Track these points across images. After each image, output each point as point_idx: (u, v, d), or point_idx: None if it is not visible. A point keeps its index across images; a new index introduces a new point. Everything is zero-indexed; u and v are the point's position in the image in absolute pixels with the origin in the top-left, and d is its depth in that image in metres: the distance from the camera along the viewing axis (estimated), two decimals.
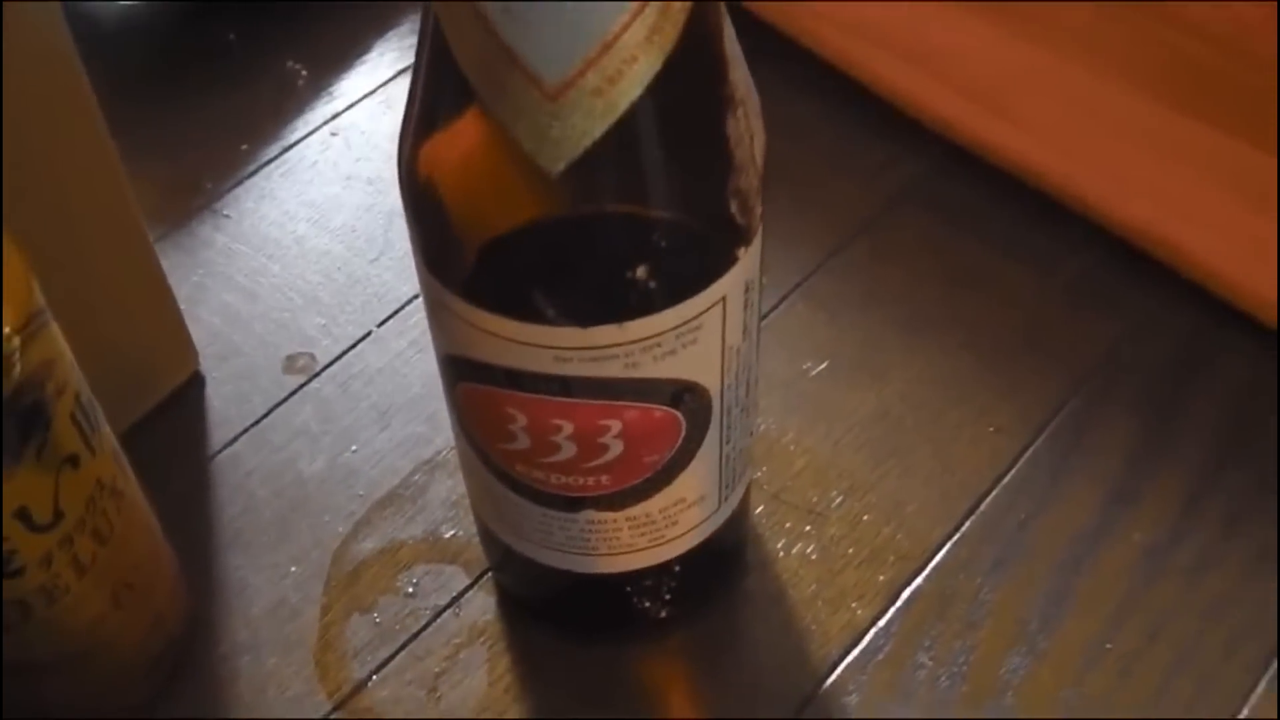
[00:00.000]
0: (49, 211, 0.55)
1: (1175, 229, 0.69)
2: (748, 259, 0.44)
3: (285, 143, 0.78)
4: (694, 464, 0.49)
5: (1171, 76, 0.71)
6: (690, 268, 0.43)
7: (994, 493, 0.63)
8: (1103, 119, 0.72)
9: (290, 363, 0.68)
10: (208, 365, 0.68)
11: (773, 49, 0.78)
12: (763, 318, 0.68)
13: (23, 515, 0.46)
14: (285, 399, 0.67)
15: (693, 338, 0.44)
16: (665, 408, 0.46)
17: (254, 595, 0.61)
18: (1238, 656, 0.58)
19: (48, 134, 0.54)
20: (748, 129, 0.42)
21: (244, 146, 0.78)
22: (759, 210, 0.44)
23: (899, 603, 0.60)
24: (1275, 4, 0.68)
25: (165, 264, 0.65)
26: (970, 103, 0.73)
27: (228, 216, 0.74)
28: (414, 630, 0.59)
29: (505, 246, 0.43)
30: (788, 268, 0.71)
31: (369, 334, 0.69)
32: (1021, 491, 0.63)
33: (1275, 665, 0.58)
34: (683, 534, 0.52)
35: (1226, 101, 0.70)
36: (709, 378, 0.46)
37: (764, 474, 0.63)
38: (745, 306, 0.46)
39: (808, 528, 0.62)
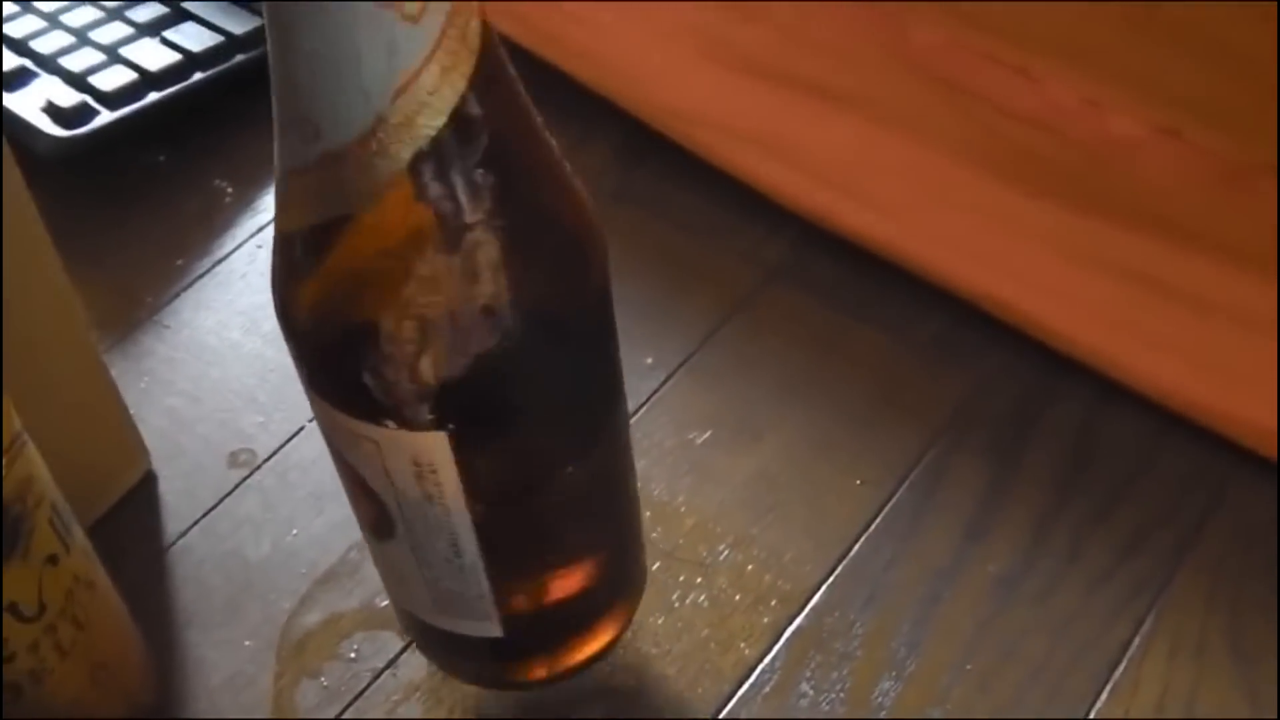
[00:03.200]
0: (9, 334, 0.62)
1: (1012, 291, 0.77)
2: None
3: (216, 256, 0.86)
4: None
5: (999, 155, 0.79)
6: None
7: (862, 538, 0.71)
8: (942, 195, 0.80)
9: (233, 458, 0.76)
10: (158, 464, 0.76)
11: (655, 146, 0.87)
12: (652, 393, 0.77)
13: (13, 609, 0.54)
14: (230, 491, 0.75)
15: None
16: None
17: (212, 669, 0.68)
18: (1083, 667, 0.67)
19: (5, 261, 0.62)
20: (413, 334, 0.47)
21: (179, 261, 0.86)
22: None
23: (782, 641, 0.68)
24: (1087, 92, 0.77)
25: (114, 373, 0.72)
26: (825, 188, 0.82)
27: (167, 327, 0.82)
28: (357, 690, 0.67)
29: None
30: (673, 346, 0.79)
31: (302, 428, 0.77)
32: (887, 535, 0.71)
33: (1118, 672, 0.66)
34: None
35: (1046, 175, 0.78)
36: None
37: (658, 534, 0.71)
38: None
39: (699, 579, 0.70)
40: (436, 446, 0.50)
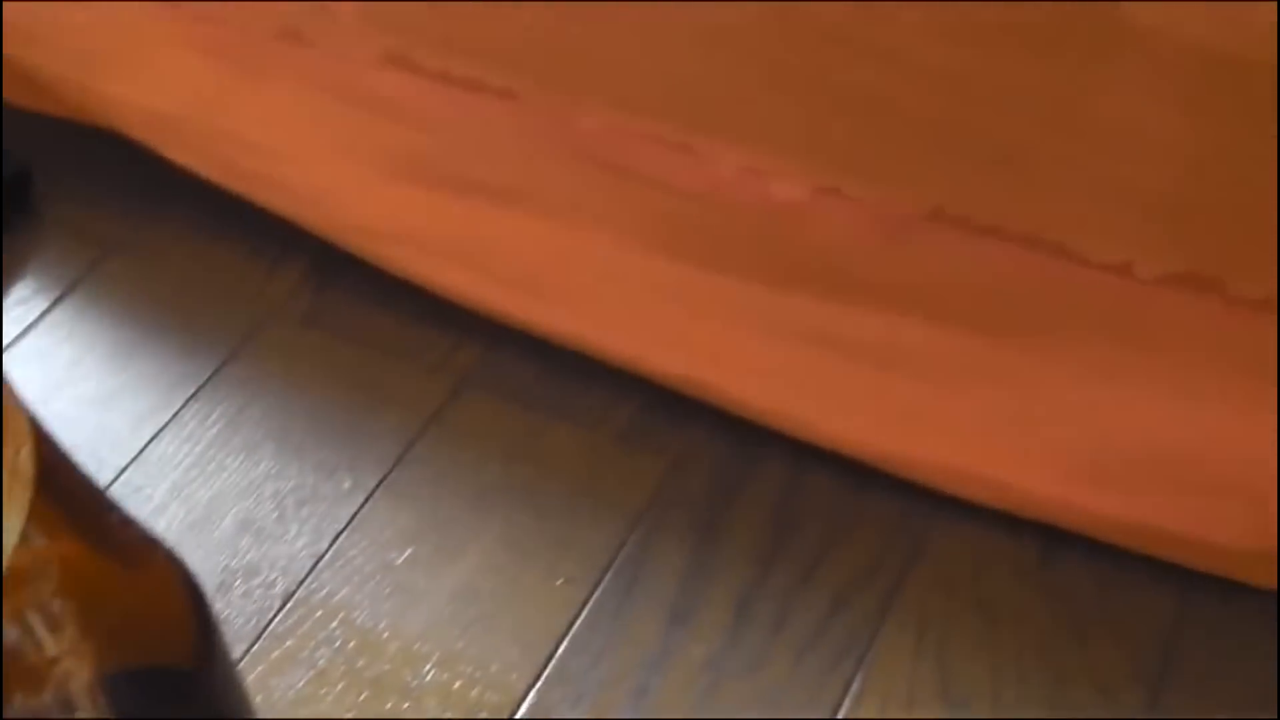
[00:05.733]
0: None
1: (700, 368, 0.77)
2: None
3: None
4: None
5: (671, 234, 0.79)
6: None
7: (567, 638, 0.70)
8: (621, 281, 0.80)
9: None
10: None
11: (346, 265, 0.86)
12: (351, 517, 0.76)
13: None
14: None
15: None
16: None
17: None
18: None
19: None
20: None
21: None
22: None
23: None
24: (747, 162, 0.77)
25: None
26: (508, 288, 0.81)
27: None
28: None
29: None
30: (369, 467, 0.78)
31: None
32: (592, 631, 0.71)
33: None
34: None
35: (719, 247, 0.78)
36: None
37: (364, 662, 0.70)
38: None
39: (406, 705, 0.69)
40: None
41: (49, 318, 0.86)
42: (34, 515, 0.44)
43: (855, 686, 0.68)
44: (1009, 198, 0.71)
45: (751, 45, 0.74)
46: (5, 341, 0.84)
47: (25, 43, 0.90)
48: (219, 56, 0.88)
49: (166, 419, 0.80)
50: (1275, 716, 0.66)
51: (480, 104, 0.82)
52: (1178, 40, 0.64)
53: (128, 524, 0.50)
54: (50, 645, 0.46)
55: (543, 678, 0.69)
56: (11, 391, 0.44)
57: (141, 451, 0.78)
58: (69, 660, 0.46)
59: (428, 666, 0.70)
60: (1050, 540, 0.74)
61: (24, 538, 0.43)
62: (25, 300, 0.87)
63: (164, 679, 0.51)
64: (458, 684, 0.69)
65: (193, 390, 0.81)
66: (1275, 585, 0.72)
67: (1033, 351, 0.73)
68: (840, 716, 0.67)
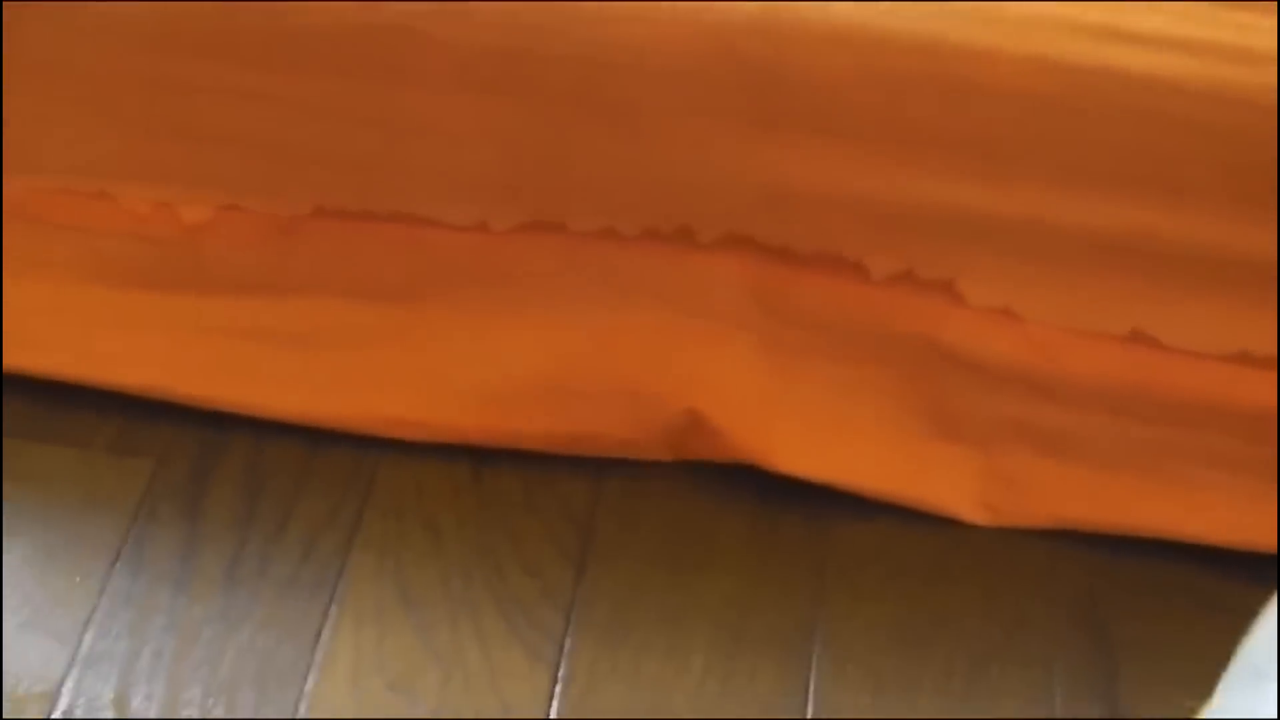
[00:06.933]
0: None
1: (157, 376, 0.91)
2: None
3: None
4: None
5: (101, 264, 0.91)
6: None
7: (91, 624, 0.83)
8: (77, 316, 0.93)
9: None
10: None
11: None
12: None
13: None
14: None
15: None
16: None
17: None
18: (286, 656, 0.81)
19: None
20: None
21: None
22: None
23: None
24: (159, 197, 0.91)
25: None
26: None
27: None
28: None
29: None
30: None
31: None
32: (110, 615, 0.84)
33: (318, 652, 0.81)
34: None
35: (149, 270, 0.92)
36: None
37: None
38: None
39: None
40: None
41: None
42: None
43: (332, 612, 0.83)
44: (370, 188, 0.87)
45: (144, 98, 0.88)
46: None
47: None
48: None
49: None
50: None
51: None
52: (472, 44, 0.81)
53: None
54: None
55: (76, 661, 0.82)
56: None
57: None
58: None
59: None
60: (481, 458, 0.90)
61: None
62: None
63: None
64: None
65: None
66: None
67: (426, 309, 0.89)
68: (321, 641, 0.82)
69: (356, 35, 0.82)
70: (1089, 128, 0.80)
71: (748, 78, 0.80)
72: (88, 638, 0.83)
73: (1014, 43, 0.81)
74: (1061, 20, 0.81)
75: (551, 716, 0.80)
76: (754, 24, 0.80)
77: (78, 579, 0.86)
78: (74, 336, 0.93)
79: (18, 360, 0.92)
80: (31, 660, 0.82)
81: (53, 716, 0.80)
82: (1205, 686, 0.58)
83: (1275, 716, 0.57)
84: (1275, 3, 0.82)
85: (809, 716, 0.81)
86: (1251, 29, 0.81)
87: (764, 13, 0.80)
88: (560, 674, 0.82)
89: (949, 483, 0.87)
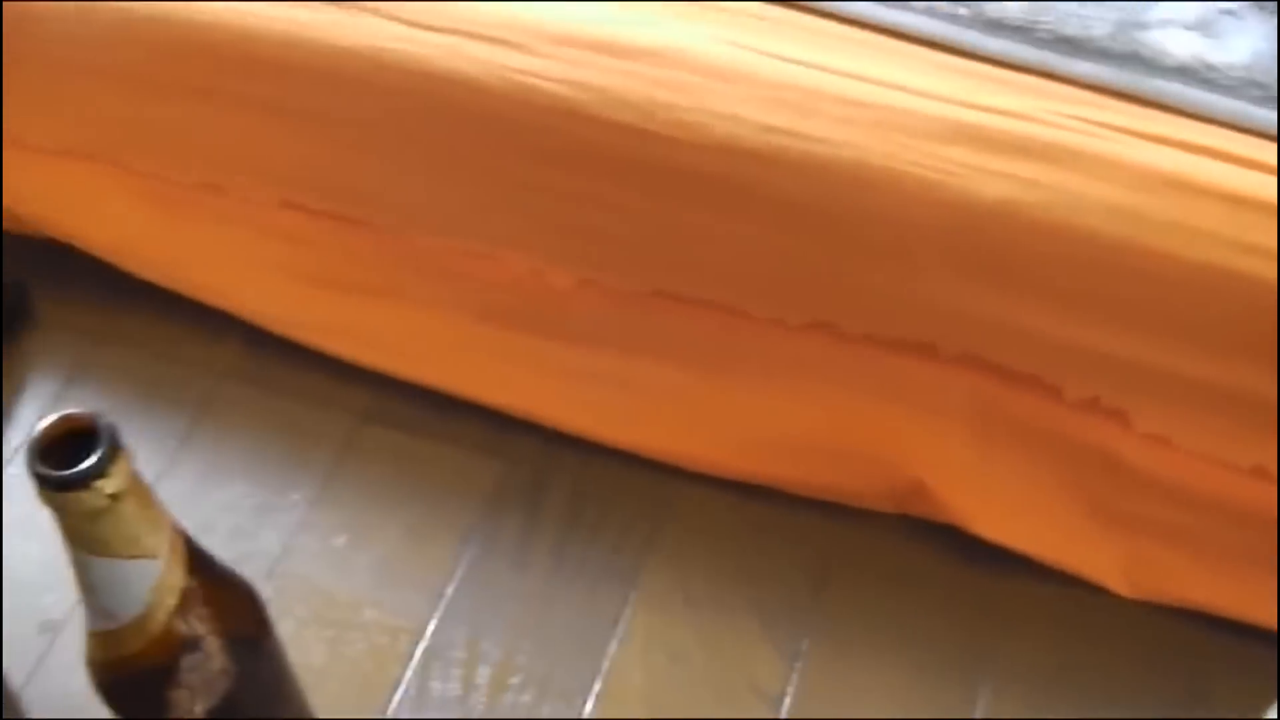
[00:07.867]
0: None
1: (525, 401, 1.20)
2: None
3: None
4: None
5: (486, 309, 1.20)
6: None
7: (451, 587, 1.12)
8: (462, 344, 1.23)
9: None
10: None
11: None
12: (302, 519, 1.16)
13: None
14: None
15: None
16: None
17: None
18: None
19: None
20: None
21: None
22: None
23: None
24: (533, 264, 1.19)
25: None
26: (386, 354, 1.23)
27: None
28: None
29: None
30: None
31: None
32: (481, 573, 1.12)
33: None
34: None
35: (522, 318, 1.20)
36: None
37: (325, 612, 1.11)
38: None
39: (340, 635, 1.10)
40: None
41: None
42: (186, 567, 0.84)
43: (631, 598, 1.11)
44: (696, 281, 1.13)
45: (532, 193, 1.15)
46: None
47: (13, 194, 1.27)
48: (155, 202, 1.26)
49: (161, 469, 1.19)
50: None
51: (347, 230, 1.22)
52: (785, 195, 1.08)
53: (221, 566, 0.90)
54: (199, 628, 0.86)
55: (437, 610, 1.11)
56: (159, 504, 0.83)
57: None
58: (208, 636, 0.86)
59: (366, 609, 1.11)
60: (749, 493, 1.17)
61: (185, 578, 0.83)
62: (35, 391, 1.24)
63: (248, 644, 0.91)
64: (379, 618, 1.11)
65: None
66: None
67: (729, 377, 1.15)
68: (622, 619, 1.10)
69: (702, 181, 1.08)
70: (1243, 313, 1.03)
71: (998, 253, 1.04)
72: (448, 591, 1.12)
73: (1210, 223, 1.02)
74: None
75: (788, 689, 1.08)
76: (1004, 209, 1.04)
77: (441, 548, 1.15)
78: (458, 360, 1.22)
79: (415, 373, 1.22)
80: (402, 605, 1.11)
81: (418, 647, 1.09)
82: None
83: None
84: None
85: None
86: None
87: (1005, 206, 1.04)
88: (796, 665, 1.09)
89: (1104, 558, 1.13)
